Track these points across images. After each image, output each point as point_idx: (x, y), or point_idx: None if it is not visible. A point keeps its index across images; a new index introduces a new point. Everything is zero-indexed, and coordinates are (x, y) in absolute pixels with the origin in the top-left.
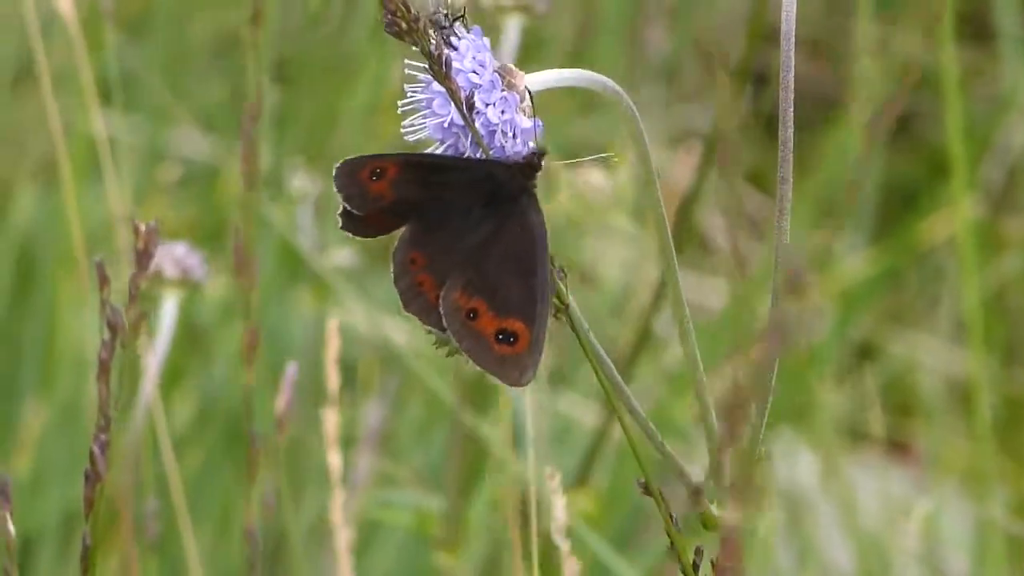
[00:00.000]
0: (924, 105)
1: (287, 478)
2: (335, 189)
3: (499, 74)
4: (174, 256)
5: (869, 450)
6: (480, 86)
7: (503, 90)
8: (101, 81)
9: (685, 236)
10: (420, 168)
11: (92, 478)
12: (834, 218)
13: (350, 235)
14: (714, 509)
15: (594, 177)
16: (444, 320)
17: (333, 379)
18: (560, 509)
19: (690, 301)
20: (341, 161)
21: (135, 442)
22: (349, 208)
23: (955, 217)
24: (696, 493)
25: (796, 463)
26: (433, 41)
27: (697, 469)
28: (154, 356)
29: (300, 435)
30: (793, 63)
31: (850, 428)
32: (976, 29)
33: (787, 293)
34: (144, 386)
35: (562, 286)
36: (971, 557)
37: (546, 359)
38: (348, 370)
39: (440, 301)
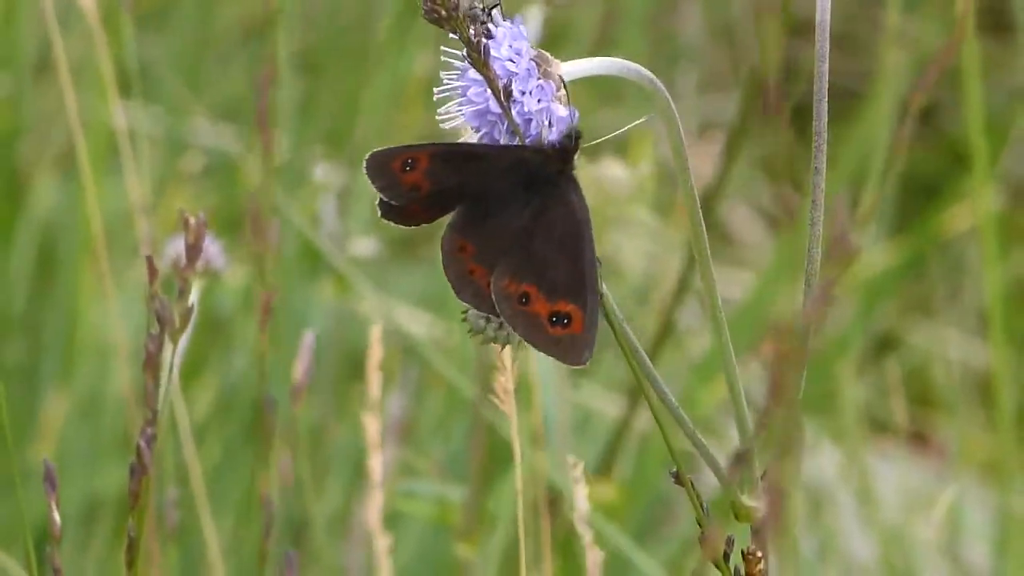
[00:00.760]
0: (945, 97)
1: (310, 465)
2: (368, 180)
3: (535, 62)
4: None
5: (891, 441)
6: (517, 74)
7: (539, 78)
8: (122, 72)
9: (708, 228)
10: (452, 157)
11: (138, 471)
12: (859, 210)
13: (393, 224)
14: (745, 500)
15: (614, 169)
16: (496, 306)
17: (375, 385)
18: (582, 498)
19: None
20: (370, 153)
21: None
22: (385, 199)
23: (976, 208)
24: (739, 461)
25: (818, 454)
26: (472, 29)
27: (726, 459)
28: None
29: (323, 421)
30: (828, 54)
31: (872, 419)
32: (995, 20)
33: (833, 257)
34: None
35: (597, 275)
36: (992, 548)
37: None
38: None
39: (491, 288)
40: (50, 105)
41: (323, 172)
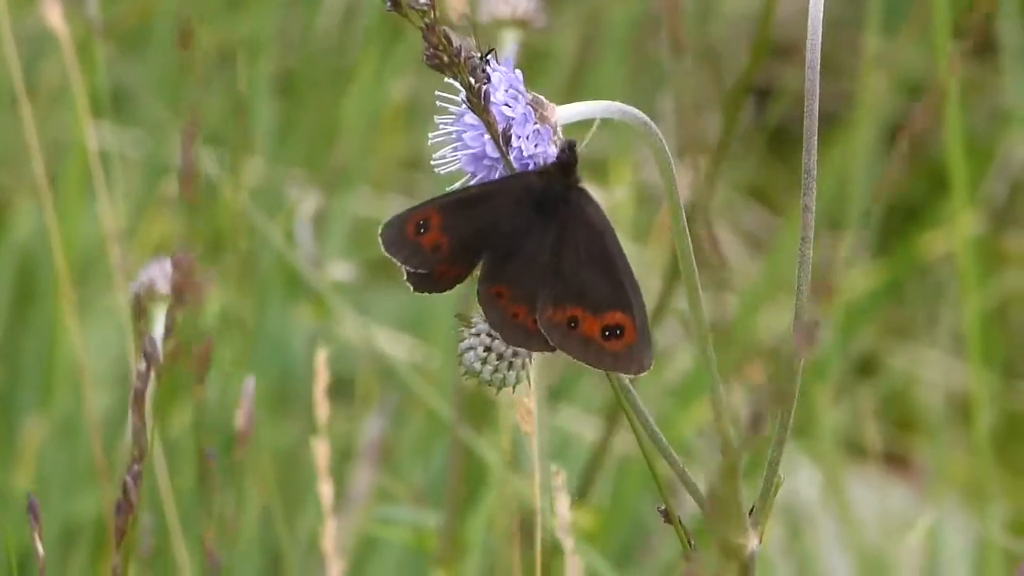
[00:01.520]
0: (925, 119)
1: (281, 490)
2: (390, 256)
3: (532, 107)
4: (168, 271)
5: (869, 464)
6: (514, 119)
7: (536, 123)
8: (100, 96)
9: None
10: (461, 205)
11: (124, 508)
12: (837, 232)
13: (427, 293)
14: (733, 537)
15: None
16: (549, 338)
17: (323, 409)
18: (564, 507)
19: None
20: (382, 226)
21: (129, 457)
22: (412, 270)
23: (955, 233)
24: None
25: (797, 477)
26: (472, 75)
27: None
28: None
29: (296, 449)
30: (818, 91)
31: (851, 442)
32: (980, 43)
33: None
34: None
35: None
36: (971, 572)
37: (544, 375)
38: (347, 384)
39: (538, 324)
40: (29, 130)
41: (300, 195)
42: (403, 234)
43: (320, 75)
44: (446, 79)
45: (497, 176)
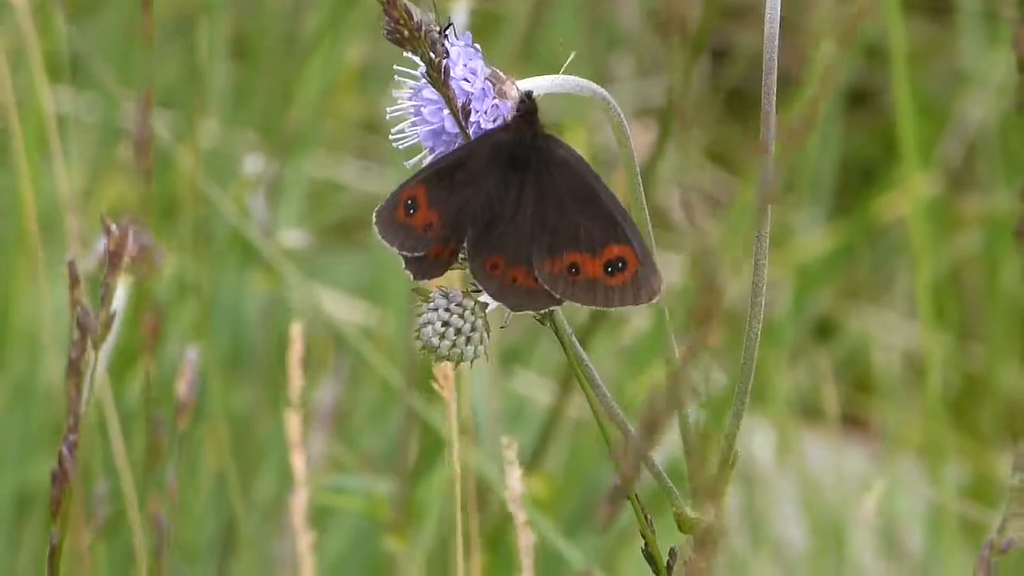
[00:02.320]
0: (882, 81)
1: (237, 456)
2: (387, 245)
3: (491, 81)
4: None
5: (825, 426)
6: (473, 94)
7: (495, 98)
8: (55, 60)
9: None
10: (441, 176)
11: (60, 478)
12: (790, 194)
13: (425, 281)
14: (689, 511)
15: None
16: (554, 292)
17: (296, 381)
18: (516, 479)
19: None
20: (374, 215)
21: (84, 425)
22: (410, 256)
23: (908, 195)
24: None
25: (752, 440)
26: (432, 49)
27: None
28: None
29: (251, 417)
30: (775, 65)
31: (806, 404)
32: (935, 3)
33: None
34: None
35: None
36: (926, 533)
37: (499, 339)
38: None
39: (539, 281)
40: None
41: (254, 161)
42: (394, 218)
43: (275, 39)
44: (405, 53)
45: None
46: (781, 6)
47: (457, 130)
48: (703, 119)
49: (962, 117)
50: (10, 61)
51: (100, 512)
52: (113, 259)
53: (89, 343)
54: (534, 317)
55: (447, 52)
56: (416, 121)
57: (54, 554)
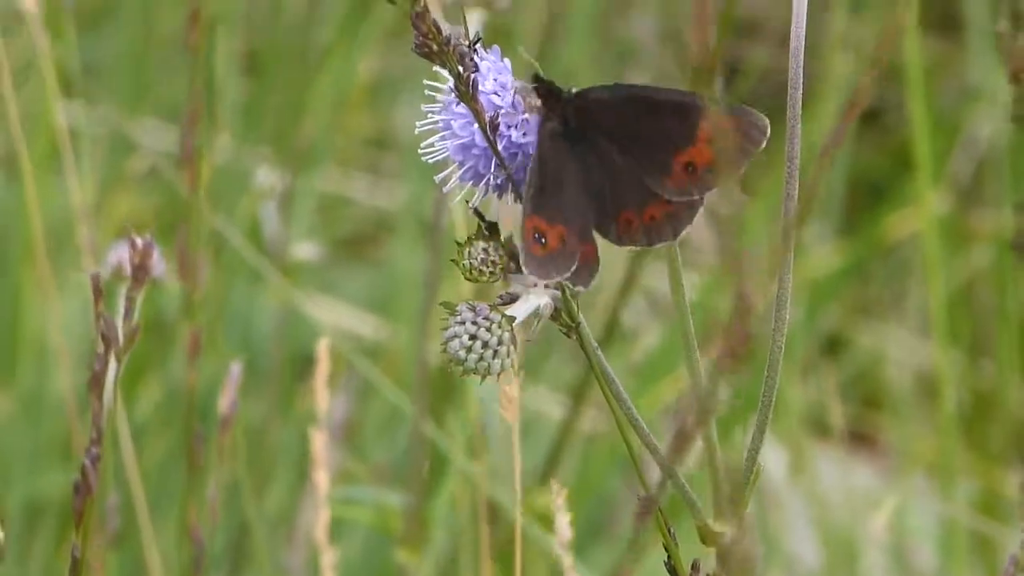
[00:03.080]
0: (892, 98)
1: (249, 466)
2: (558, 280)
3: (520, 95)
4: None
5: (836, 443)
6: (502, 108)
7: (524, 112)
8: (67, 73)
9: None
10: (540, 193)
11: (83, 490)
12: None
13: (592, 281)
14: (712, 524)
15: None
16: (690, 195)
17: (323, 400)
18: (564, 525)
19: (660, 291)
20: (526, 270)
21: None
22: (571, 274)
23: (920, 212)
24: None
25: (763, 456)
26: (461, 64)
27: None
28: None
29: (264, 428)
30: (801, 81)
31: (818, 421)
32: (944, 20)
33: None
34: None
35: (574, 304)
36: (937, 550)
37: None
38: (311, 363)
39: (671, 201)
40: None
41: (265, 175)
42: (536, 256)
43: (287, 54)
44: (434, 67)
45: (488, 164)
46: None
47: (486, 144)
48: None
49: (972, 134)
50: (22, 73)
51: (112, 523)
52: (136, 272)
53: (112, 356)
54: (560, 330)
55: (476, 66)
56: (445, 135)
57: (76, 566)
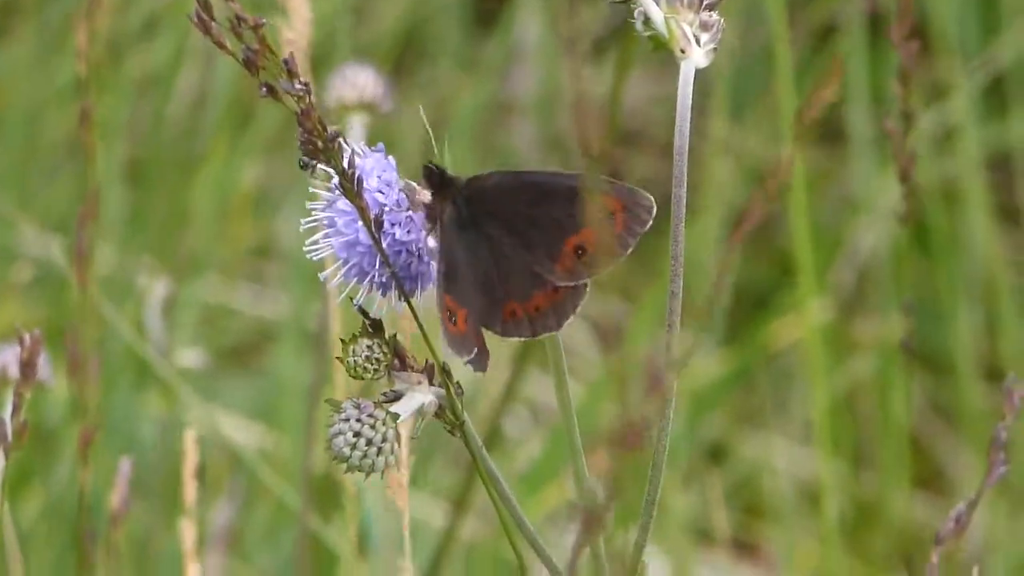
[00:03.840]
0: (774, 207)
1: (135, 573)
2: (466, 363)
3: (405, 193)
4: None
5: (718, 551)
6: (387, 205)
7: (408, 210)
8: None
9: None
10: (447, 274)
11: None
12: (686, 320)
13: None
14: None
15: None
16: (577, 280)
17: (191, 491)
18: None
19: (541, 401)
20: (443, 338)
21: None
22: (476, 358)
23: (802, 321)
24: None
25: (647, 562)
26: (346, 159)
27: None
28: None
29: (148, 537)
30: (685, 179)
31: (700, 529)
32: (826, 131)
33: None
34: None
35: (458, 402)
36: None
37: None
38: (197, 472)
39: (558, 288)
40: None
41: (149, 283)
42: (452, 334)
43: (170, 162)
44: (318, 166)
45: (372, 262)
46: (670, 131)
47: (371, 242)
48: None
49: (855, 243)
50: None
51: None
52: (25, 369)
53: (1, 453)
54: (444, 428)
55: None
56: (330, 233)
57: None
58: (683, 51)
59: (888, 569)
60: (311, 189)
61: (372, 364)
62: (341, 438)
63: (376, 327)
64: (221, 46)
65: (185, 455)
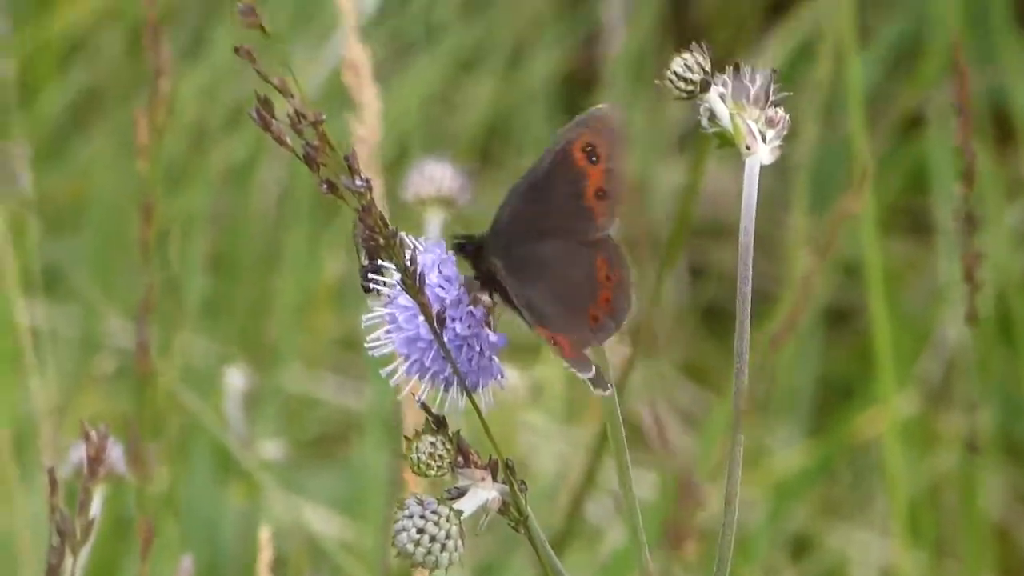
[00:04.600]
0: (861, 299)
1: None
2: (586, 379)
3: (465, 288)
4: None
5: None
6: (447, 300)
7: (469, 304)
8: (32, 273)
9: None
10: (534, 312)
11: None
12: (768, 413)
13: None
14: None
15: (511, 378)
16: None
17: None
18: None
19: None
20: (567, 366)
21: None
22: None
23: (884, 414)
24: None
25: None
26: (407, 256)
27: None
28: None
29: None
30: (751, 274)
31: None
32: (914, 223)
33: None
34: None
35: (522, 499)
36: None
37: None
38: (279, 564)
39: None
40: None
41: (230, 375)
42: (569, 359)
43: (254, 254)
44: (379, 261)
45: (434, 357)
46: (757, 224)
47: (432, 337)
48: (678, 335)
49: (941, 335)
50: None
51: None
52: (92, 465)
53: (68, 549)
54: (508, 524)
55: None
56: (391, 328)
57: None
58: (748, 148)
59: None
60: (371, 285)
61: (435, 461)
62: (405, 535)
63: (440, 423)
64: (281, 142)
65: (260, 550)
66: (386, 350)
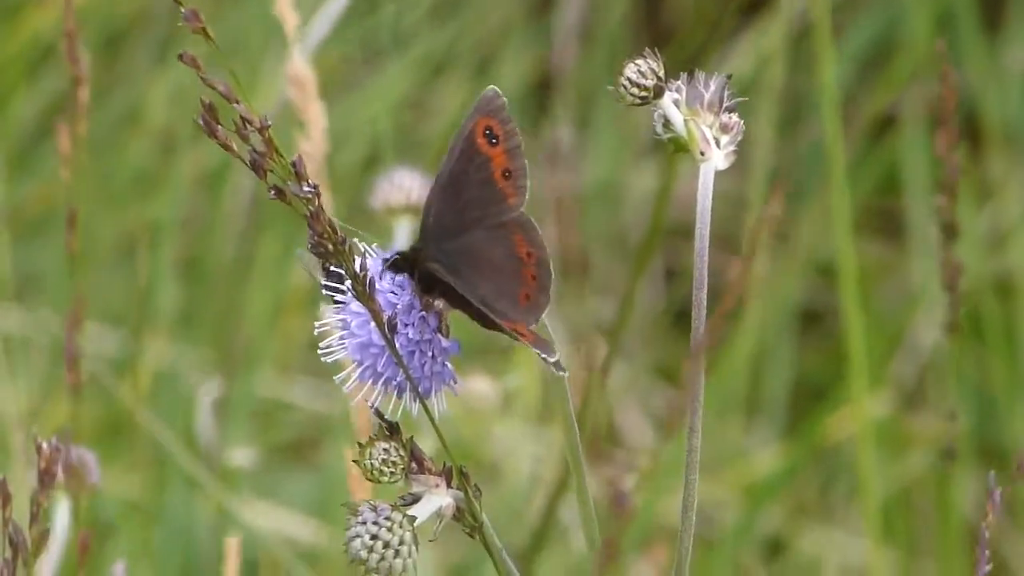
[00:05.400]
0: (835, 302)
1: None
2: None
3: (416, 294)
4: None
5: None
6: (399, 306)
7: (421, 310)
8: (2, 279)
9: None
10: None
11: None
12: (742, 414)
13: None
14: None
15: (480, 385)
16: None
17: None
18: None
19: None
20: (535, 352)
21: None
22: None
23: (856, 415)
24: None
25: None
26: (357, 262)
27: None
28: (48, 559)
29: None
30: (705, 281)
31: None
32: (887, 225)
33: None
34: None
35: (476, 505)
36: None
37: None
38: (251, 569)
39: None
40: None
41: (202, 379)
42: (533, 343)
43: (226, 259)
44: (330, 266)
45: (386, 363)
46: (729, 225)
47: (384, 343)
48: (652, 337)
49: (914, 336)
50: None
51: None
52: (43, 477)
53: (20, 561)
54: (463, 530)
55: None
56: (343, 335)
57: None
58: (703, 153)
59: None
60: (324, 292)
61: (388, 467)
62: (358, 541)
63: (392, 430)
64: (227, 148)
65: (227, 559)
66: (338, 355)
